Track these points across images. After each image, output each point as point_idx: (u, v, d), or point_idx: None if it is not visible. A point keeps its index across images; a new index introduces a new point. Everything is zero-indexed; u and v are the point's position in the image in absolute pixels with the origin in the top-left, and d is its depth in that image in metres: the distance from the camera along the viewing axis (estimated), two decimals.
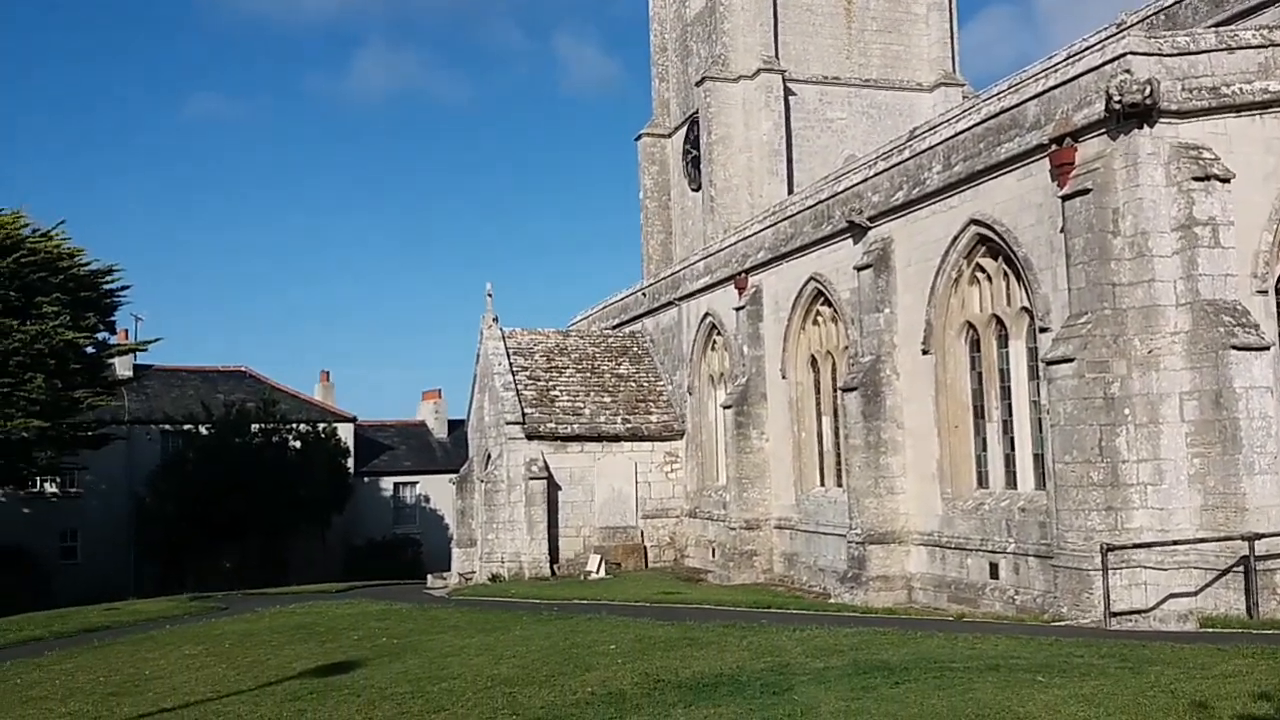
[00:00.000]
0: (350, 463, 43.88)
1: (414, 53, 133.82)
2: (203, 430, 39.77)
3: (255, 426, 40.30)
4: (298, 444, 41.05)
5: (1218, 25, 17.95)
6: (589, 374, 31.53)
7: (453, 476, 35.19)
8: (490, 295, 31.92)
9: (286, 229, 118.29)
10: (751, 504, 25.61)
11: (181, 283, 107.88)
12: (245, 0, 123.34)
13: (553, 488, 28.91)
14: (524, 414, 29.09)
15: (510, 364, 30.59)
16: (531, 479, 28.46)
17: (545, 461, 28.87)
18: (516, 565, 28.26)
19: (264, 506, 37.74)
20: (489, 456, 30.30)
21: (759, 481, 25.70)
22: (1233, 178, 14.14)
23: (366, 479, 45.90)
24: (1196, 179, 14.01)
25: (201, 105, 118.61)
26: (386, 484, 46.81)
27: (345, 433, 44.25)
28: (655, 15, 45.41)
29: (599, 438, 29.79)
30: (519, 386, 29.94)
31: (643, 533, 30.04)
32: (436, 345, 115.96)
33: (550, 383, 30.64)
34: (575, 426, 29.52)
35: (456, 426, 47.13)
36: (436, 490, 45.65)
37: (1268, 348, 13.87)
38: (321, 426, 42.62)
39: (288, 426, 41.00)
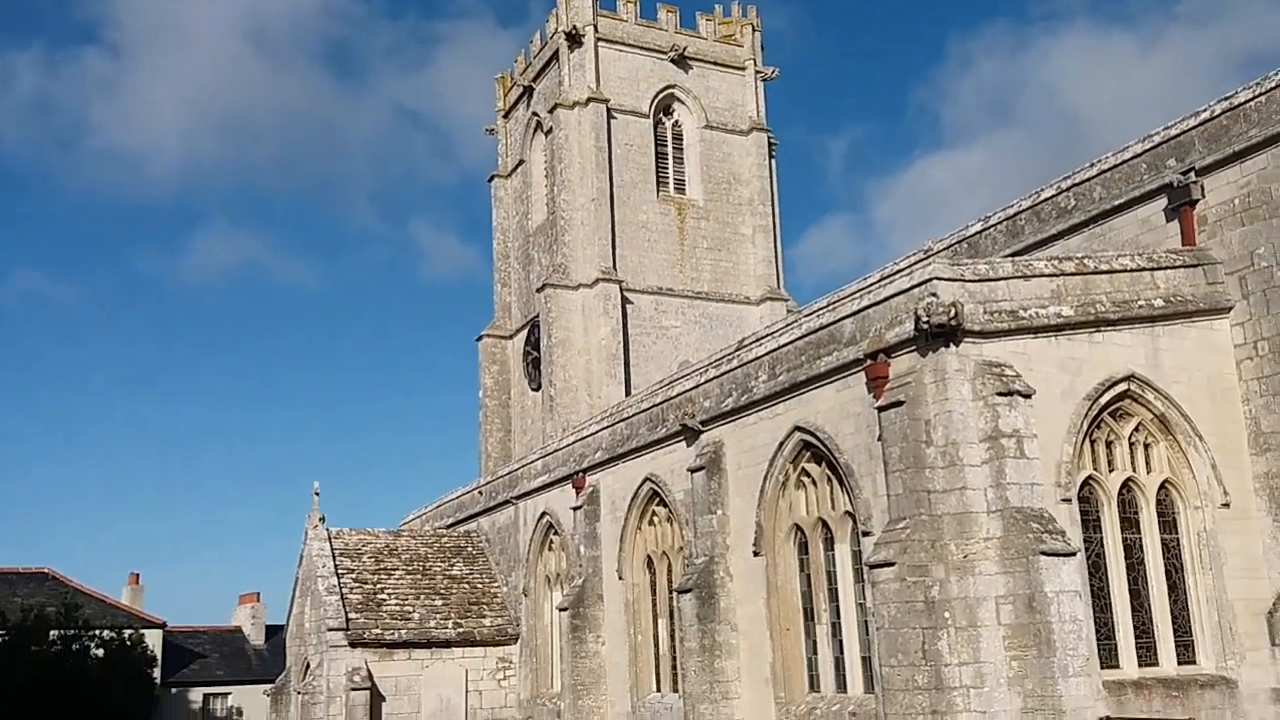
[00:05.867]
0: (157, 672, 40.85)
1: (259, 233, 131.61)
2: None
3: (54, 633, 37.28)
4: (100, 652, 38.07)
5: (1014, 254, 19.66)
6: (419, 575, 30.55)
7: (268, 688, 33.08)
8: (317, 494, 30.89)
9: (102, 420, 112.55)
10: (586, 713, 24.86)
11: None
12: (81, 178, 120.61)
13: (376, 699, 27.41)
14: (348, 619, 27.78)
15: (335, 566, 29.38)
16: (353, 689, 26.89)
17: (369, 670, 27.44)
18: None
19: None
20: (308, 666, 28.65)
21: (594, 689, 25.04)
22: (1034, 393, 15.13)
23: (175, 689, 42.74)
24: (1000, 394, 14.96)
25: (22, 283, 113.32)
26: (196, 695, 43.64)
27: (154, 639, 41.28)
28: (499, 225, 46.97)
29: (428, 643, 28.60)
30: (344, 590, 28.70)
31: None
32: (258, 545, 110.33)
33: (378, 585, 29.51)
34: (403, 632, 28.32)
35: (275, 632, 44.65)
36: (251, 702, 42.63)
37: (1074, 553, 14.62)
38: (128, 633, 39.68)
39: (90, 633, 38.05)
